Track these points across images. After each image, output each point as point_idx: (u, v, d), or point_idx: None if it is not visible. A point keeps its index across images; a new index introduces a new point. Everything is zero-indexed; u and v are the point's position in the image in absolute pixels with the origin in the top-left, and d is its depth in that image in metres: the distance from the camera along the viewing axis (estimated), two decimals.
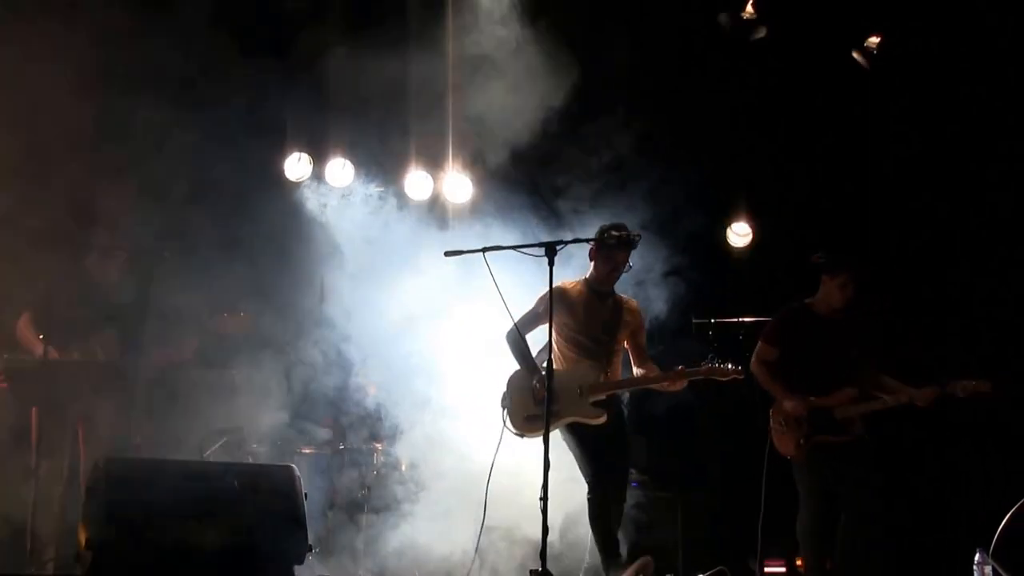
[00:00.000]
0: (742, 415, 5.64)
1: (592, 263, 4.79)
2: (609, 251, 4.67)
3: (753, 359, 5.07)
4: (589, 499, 4.61)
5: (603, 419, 4.67)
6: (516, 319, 4.64)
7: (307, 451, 5.88)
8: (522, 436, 4.67)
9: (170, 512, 3.63)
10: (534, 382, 4.65)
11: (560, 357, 4.73)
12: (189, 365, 5.15)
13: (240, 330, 4.96)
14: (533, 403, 4.63)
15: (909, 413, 4.95)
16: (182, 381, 5.28)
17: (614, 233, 4.65)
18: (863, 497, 4.78)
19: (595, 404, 4.65)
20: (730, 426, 6.13)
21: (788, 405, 4.91)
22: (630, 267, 4.70)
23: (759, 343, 5.11)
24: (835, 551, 4.88)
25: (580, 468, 4.69)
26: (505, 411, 4.71)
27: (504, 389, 4.79)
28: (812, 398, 4.89)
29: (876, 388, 4.99)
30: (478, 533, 4.58)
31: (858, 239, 6.32)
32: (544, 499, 3.98)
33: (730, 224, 6.94)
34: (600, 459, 4.65)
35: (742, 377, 4.62)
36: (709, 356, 4.61)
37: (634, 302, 4.94)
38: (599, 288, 4.79)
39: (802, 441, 4.86)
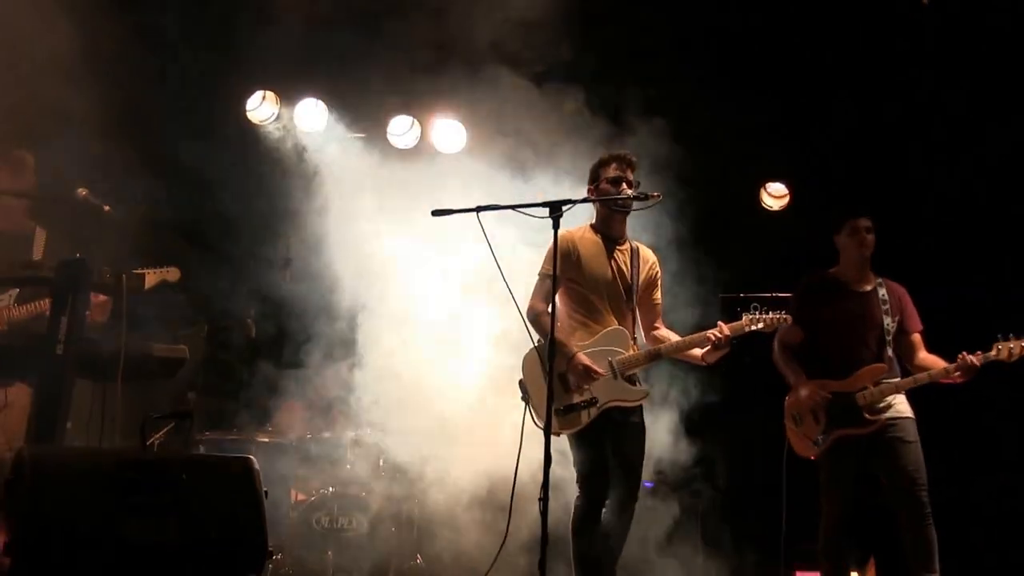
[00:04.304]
0: (765, 405, 5.41)
1: (595, 207, 4.43)
2: (608, 182, 4.33)
3: (775, 340, 4.81)
4: (606, 507, 4.28)
5: (645, 397, 4.35)
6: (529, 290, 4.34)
7: (267, 440, 5.70)
8: (559, 435, 4.17)
9: (105, 510, 3.37)
10: (563, 367, 4.20)
11: (566, 325, 4.28)
12: (102, 328, 4.78)
13: (167, 280, 4.61)
14: (566, 391, 4.20)
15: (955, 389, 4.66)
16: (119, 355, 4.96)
17: (604, 158, 4.39)
18: (912, 487, 4.49)
19: (629, 380, 4.28)
20: (752, 419, 6.01)
21: (803, 392, 4.66)
22: (639, 195, 4.20)
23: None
24: (906, 552, 4.56)
25: (592, 467, 4.22)
26: (529, 407, 4.21)
27: (520, 376, 4.33)
28: (831, 383, 4.63)
29: (916, 366, 4.70)
30: (500, 545, 4.18)
31: (901, 198, 6.27)
32: (544, 499, 3.69)
33: (765, 184, 6.78)
34: (627, 460, 4.30)
35: (789, 323, 4.36)
36: (752, 306, 4.31)
37: (649, 251, 4.55)
38: (608, 232, 4.41)
39: (820, 438, 4.62)
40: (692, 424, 5.66)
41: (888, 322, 4.69)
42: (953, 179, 6.41)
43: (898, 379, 4.61)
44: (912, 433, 4.57)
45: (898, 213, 6.15)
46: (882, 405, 4.59)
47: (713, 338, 4.23)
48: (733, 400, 6.03)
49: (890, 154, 6.55)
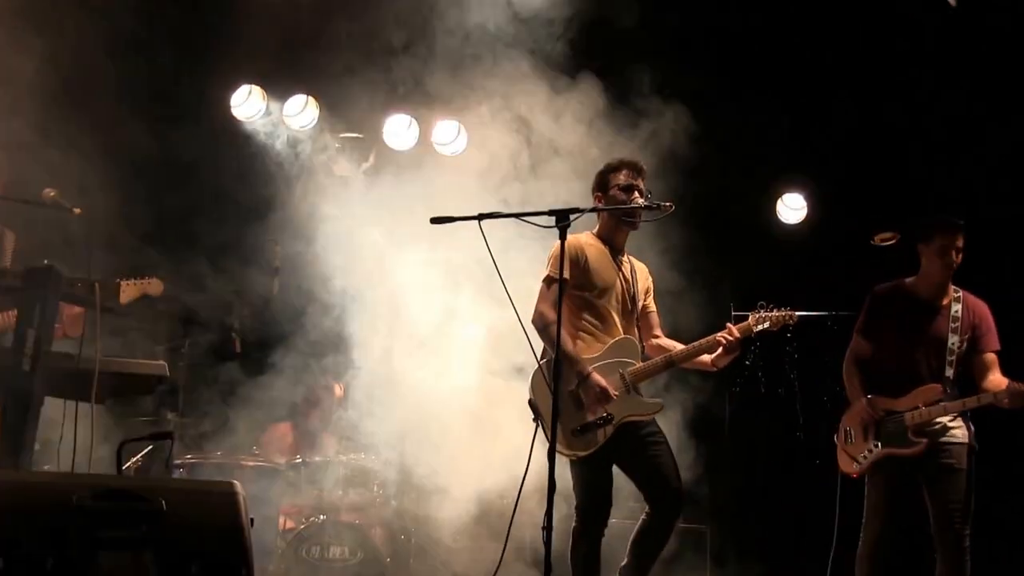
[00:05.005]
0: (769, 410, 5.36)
1: (599, 216, 4.28)
2: (620, 189, 4.17)
3: (846, 353, 4.61)
4: (642, 520, 4.06)
5: (660, 410, 4.14)
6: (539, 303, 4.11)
7: (254, 463, 5.39)
8: (577, 457, 3.99)
9: (77, 542, 2.93)
10: (574, 384, 3.99)
11: (571, 334, 4.08)
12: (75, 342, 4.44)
13: (148, 294, 4.30)
14: (578, 410, 3.99)
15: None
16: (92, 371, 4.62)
17: (614, 164, 4.21)
18: (952, 520, 4.24)
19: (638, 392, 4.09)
20: (771, 440, 5.91)
21: (854, 409, 4.47)
22: (651, 204, 4.01)
23: (853, 335, 4.61)
24: None
25: (595, 491, 4.01)
26: (540, 426, 3.95)
27: (529, 395, 4.06)
28: (886, 400, 4.40)
29: (982, 388, 4.39)
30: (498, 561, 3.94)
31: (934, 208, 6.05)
32: (548, 528, 3.45)
33: (781, 196, 6.63)
34: (658, 469, 4.07)
35: (795, 321, 4.16)
36: (758, 304, 4.16)
37: (640, 262, 4.43)
38: (612, 241, 4.26)
39: (863, 456, 4.39)
40: (694, 430, 5.49)
41: (954, 340, 4.38)
42: (953, 179, 6.30)
43: (949, 402, 4.33)
44: (963, 461, 4.31)
45: (898, 213, 6.05)
46: (934, 427, 4.32)
47: (724, 341, 4.08)
48: (735, 404, 5.90)
49: (890, 154, 6.43)
